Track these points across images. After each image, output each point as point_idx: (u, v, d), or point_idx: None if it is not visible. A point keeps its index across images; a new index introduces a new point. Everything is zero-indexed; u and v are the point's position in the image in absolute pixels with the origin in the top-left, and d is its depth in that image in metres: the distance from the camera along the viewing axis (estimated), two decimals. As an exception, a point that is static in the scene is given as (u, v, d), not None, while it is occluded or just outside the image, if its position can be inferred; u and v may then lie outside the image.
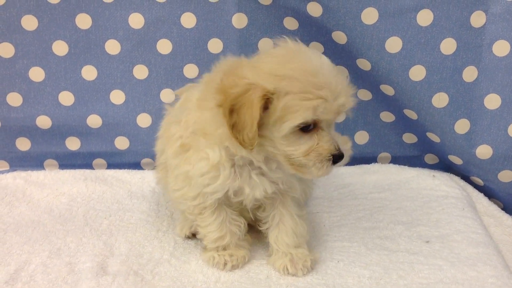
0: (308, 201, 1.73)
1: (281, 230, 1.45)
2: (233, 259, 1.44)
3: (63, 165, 1.99)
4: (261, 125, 1.22)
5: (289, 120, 1.20)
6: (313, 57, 1.24)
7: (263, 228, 1.48)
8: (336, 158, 1.27)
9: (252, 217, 1.48)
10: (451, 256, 1.46)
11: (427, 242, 1.53)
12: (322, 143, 1.26)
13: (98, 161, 2.00)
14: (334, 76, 1.23)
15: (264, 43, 1.82)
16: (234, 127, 1.23)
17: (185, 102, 1.41)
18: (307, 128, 1.24)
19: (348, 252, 1.49)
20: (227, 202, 1.42)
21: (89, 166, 2.00)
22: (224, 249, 1.46)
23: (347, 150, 1.31)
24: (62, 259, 1.47)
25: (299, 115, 1.20)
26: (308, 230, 1.50)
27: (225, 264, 1.44)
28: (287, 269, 1.42)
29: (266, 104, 1.21)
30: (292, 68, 1.21)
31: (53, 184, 1.87)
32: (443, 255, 1.47)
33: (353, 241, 1.54)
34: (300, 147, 1.25)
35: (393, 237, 1.56)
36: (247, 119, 1.20)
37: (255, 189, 1.35)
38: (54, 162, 1.99)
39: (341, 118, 1.33)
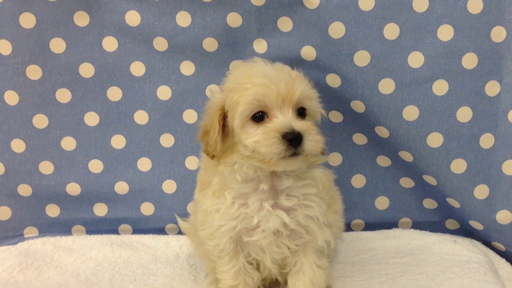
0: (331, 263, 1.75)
1: (300, 278, 1.49)
2: None
3: (90, 231, 2.04)
4: (231, 135, 1.38)
5: (237, 111, 1.34)
6: (259, 64, 1.40)
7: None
8: (289, 137, 1.30)
9: (275, 270, 1.51)
10: (474, 321, 1.46)
11: (450, 307, 1.53)
12: (273, 125, 1.32)
13: (124, 226, 2.05)
14: (275, 69, 1.37)
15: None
16: (207, 144, 1.39)
17: None
18: (259, 118, 1.34)
19: (372, 318, 1.50)
20: (245, 250, 1.47)
21: (115, 231, 2.04)
22: None
23: (306, 129, 1.32)
24: (89, 323, 1.49)
25: (242, 103, 1.33)
26: (326, 279, 1.52)
27: None
28: None
29: (225, 113, 1.38)
30: (236, 75, 1.40)
31: (80, 249, 1.91)
32: (466, 320, 1.46)
33: (377, 306, 1.54)
34: (256, 136, 1.33)
35: (416, 302, 1.56)
36: (212, 132, 1.37)
37: (269, 219, 1.39)
38: (82, 228, 2.05)
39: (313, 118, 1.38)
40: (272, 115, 1.34)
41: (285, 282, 1.55)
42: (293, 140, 1.30)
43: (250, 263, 1.50)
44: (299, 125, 1.33)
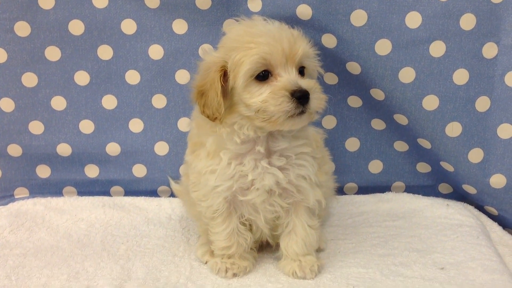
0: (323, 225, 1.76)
1: (292, 238, 1.51)
2: (234, 267, 1.51)
3: (81, 192, 2.03)
4: (230, 95, 1.36)
5: (240, 71, 1.31)
6: (259, 22, 1.37)
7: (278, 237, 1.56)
8: (298, 94, 1.31)
9: (267, 230, 1.53)
10: (466, 282, 1.46)
11: (442, 269, 1.53)
12: (280, 84, 1.32)
13: (115, 188, 2.03)
14: (277, 28, 1.36)
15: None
16: (205, 106, 1.35)
17: None
18: (263, 77, 1.33)
19: (363, 278, 1.49)
20: (238, 211, 1.48)
21: (107, 193, 2.03)
22: (229, 257, 1.52)
23: (312, 87, 1.34)
24: (80, 283, 1.48)
25: (246, 62, 1.31)
26: (318, 240, 1.56)
27: (226, 271, 1.50)
28: (296, 273, 1.49)
29: (224, 72, 1.34)
30: (237, 34, 1.36)
31: (72, 210, 1.90)
32: (458, 281, 1.46)
33: (369, 268, 1.54)
34: (262, 95, 1.32)
35: (408, 263, 1.56)
36: (212, 94, 1.33)
37: (264, 178, 1.40)
38: (73, 189, 2.03)
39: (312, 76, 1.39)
40: (276, 74, 1.33)
41: (277, 246, 1.57)
42: (301, 98, 1.30)
43: (243, 224, 1.51)
44: (305, 83, 1.34)
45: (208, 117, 1.36)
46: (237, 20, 1.43)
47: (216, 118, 1.36)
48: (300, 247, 1.51)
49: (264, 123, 1.34)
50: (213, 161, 1.41)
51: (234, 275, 1.50)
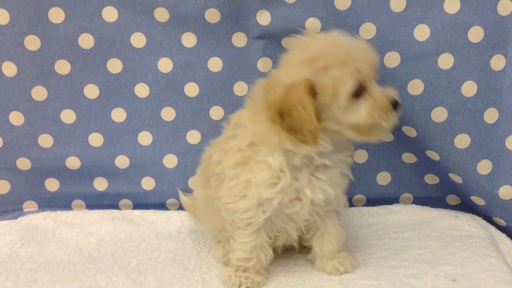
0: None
1: (326, 239, 1.57)
2: (248, 281, 1.50)
3: (90, 206, 2.03)
4: (316, 113, 1.30)
5: (342, 89, 1.29)
6: (341, 35, 1.35)
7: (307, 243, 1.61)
8: (395, 104, 1.36)
9: (296, 236, 1.56)
10: (478, 294, 1.46)
11: (454, 280, 1.52)
12: (377, 97, 1.34)
13: (124, 201, 2.03)
14: (363, 42, 1.36)
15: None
16: (291, 130, 1.31)
17: (238, 119, 1.48)
18: (359, 92, 1.32)
19: (376, 291, 1.50)
20: (271, 222, 1.49)
21: (115, 206, 2.03)
22: (244, 271, 1.52)
23: (397, 95, 1.38)
24: (93, 297, 1.49)
25: (348, 80, 1.29)
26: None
27: (240, 285, 1.50)
28: (339, 270, 1.57)
29: (313, 91, 1.29)
30: (325, 49, 1.31)
31: (82, 224, 1.90)
32: (470, 293, 1.47)
33: (381, 280, 1.53)
34: (362, 111, 1.33)
35: (419, 275, 1.55)
36: (302, 116, 1.28)
37: (316, 191, 1.42)
38: (82, 202, 2.03)
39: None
40: (367, 88, 1.34)
41: (301, 247, 1.63)
42: (397, 109, 1.36)
43: (269, 238, 1.51)
44: (391, 91, 1.38)
45: (302, 140, 1.32)
46: (300, 35, 1.41)
47: (307, 141, 1.31)
48: (335, 245, 1.57)
49: (361, 136, 1.37)
50: (275, 174, 1.39)
51: None
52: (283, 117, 1.30)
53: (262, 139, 1.39)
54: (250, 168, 1.41)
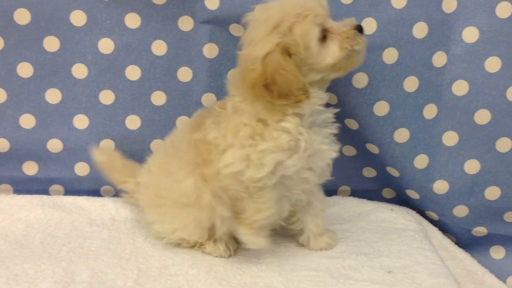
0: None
1: (318, 215, 1.66)
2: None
3: (18, 191, 1.92)
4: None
5: (311, 39, 1.37)
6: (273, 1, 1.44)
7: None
8: (359, 29, 1.46)
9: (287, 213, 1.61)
10: (413, 286, 1.49)
11: (390, 272, 1.55)
12: (340, 30, 1.44)
13: (55, 187, 1.94)
14: None
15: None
16: (281, 96, 1.37)
17: (234, 106, 1.48)
18: (324, 35, 1.42)
19: (314, 281, 1.50)
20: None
21: (45, 192, 1.93)
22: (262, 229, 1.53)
23: (355, 20, 1.49)
24: (21, 286, 1.40)
25: (312, 29, 1.38)
26: None
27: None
28: (331, 244, 1.68)
29: (287, 53, 1.37)
30: (282, 11, 1.39)
31: (8, 209, 1.79)
32: (405, 285, 1.49)
33: (319, 270, 1.55)
34: (333, 48, 1.42)
35: (356, 267, 1.57)
36: (287, 78, 1.35)
37: (329, 147, 1.52)
38: (9, 187, 1.92)
39: None
40: (329, 28, 1.43)
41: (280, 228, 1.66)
42: (361, 31, 1.47)
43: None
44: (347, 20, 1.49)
45: (294, 100, 1.38)
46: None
47: (300, 99, 1.38)
48: (325, 220, 1.69)
49: (342, 71, 1.48)
50: (294, 137, 1.44)
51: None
52: (269, 88, 1.35)
53: (266, 115, 1.43)
54: (270, 136, 1.42)
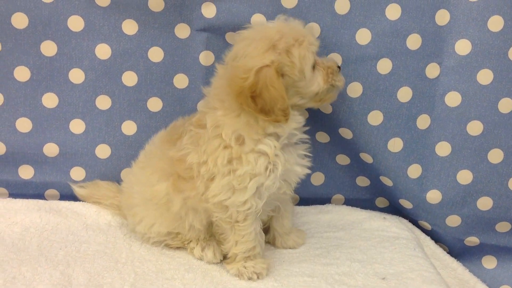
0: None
1: (285, 217, 1.72)
2: (259, 267, 1.56)
3: (13, 194, 1.92)
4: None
5: (307, 64, 1.46)
6: (287, 20, 1.52)
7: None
8: (339, 67, 1.59)
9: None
10: (407, 292, 1.51)
11: (383, 279, 1.57)
12: (326, 64, 1.54)
13: (50, 191, 1.94)
14: (295, 22, 1.52)
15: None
16: (263, 111, 1.40)
17: (215, 121, 1.50)
18: (313, 65, 1.50)
19: (309, 287, 1.51)
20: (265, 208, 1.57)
21: (41, 196, 1.93)
22: (251, 259, 1.57)
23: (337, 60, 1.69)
24: (18, 288, 1.41)
25: (308, 56, 1.46)
26: None
27: (256, 272, 1.55)
28: (298, 242, 1.75)
29: (281, 72, 1.43)
30: (279, 33, 1.44)
31: (5, 213, 1.79)
32: (399, 291, 1.51)
33: (314, 276, 1.56)
34: (319, 79, 1.51)
35: (350, 273, 1.59)
36: (273, 96, 1.39)
37: (302, 166, 1.58)
38: (4, 190, 1.92)
39: None
40: (317, 60, 1.52)
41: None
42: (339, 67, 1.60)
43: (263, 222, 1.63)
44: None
45: (269, 119, 1.43)
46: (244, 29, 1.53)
47: (279, 119, 1.43)
48: (291, 221, 1.75)
49: (319, 102, 1.56)
50: (272, 160, 1.47)
51: (260, 275, 1.56)
52: (255, 100, 1.39)
53: (246, 131, 1.46)
54: (246, 160, 1.45)
